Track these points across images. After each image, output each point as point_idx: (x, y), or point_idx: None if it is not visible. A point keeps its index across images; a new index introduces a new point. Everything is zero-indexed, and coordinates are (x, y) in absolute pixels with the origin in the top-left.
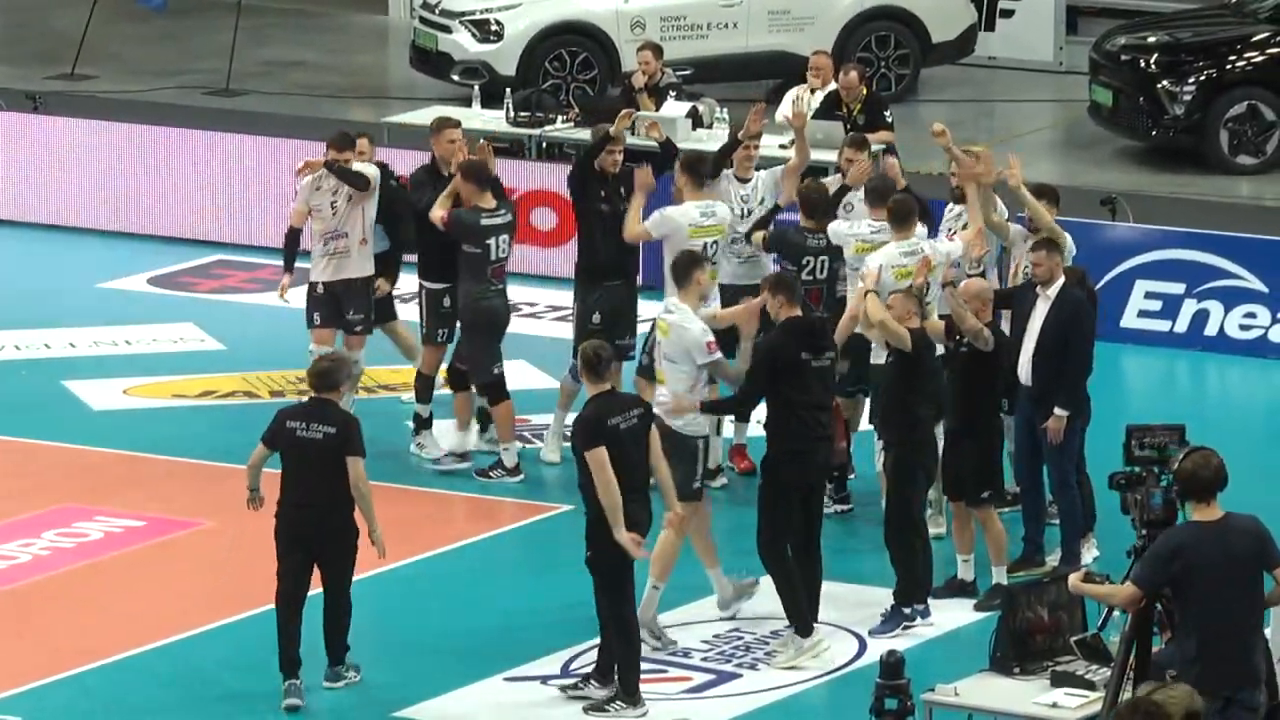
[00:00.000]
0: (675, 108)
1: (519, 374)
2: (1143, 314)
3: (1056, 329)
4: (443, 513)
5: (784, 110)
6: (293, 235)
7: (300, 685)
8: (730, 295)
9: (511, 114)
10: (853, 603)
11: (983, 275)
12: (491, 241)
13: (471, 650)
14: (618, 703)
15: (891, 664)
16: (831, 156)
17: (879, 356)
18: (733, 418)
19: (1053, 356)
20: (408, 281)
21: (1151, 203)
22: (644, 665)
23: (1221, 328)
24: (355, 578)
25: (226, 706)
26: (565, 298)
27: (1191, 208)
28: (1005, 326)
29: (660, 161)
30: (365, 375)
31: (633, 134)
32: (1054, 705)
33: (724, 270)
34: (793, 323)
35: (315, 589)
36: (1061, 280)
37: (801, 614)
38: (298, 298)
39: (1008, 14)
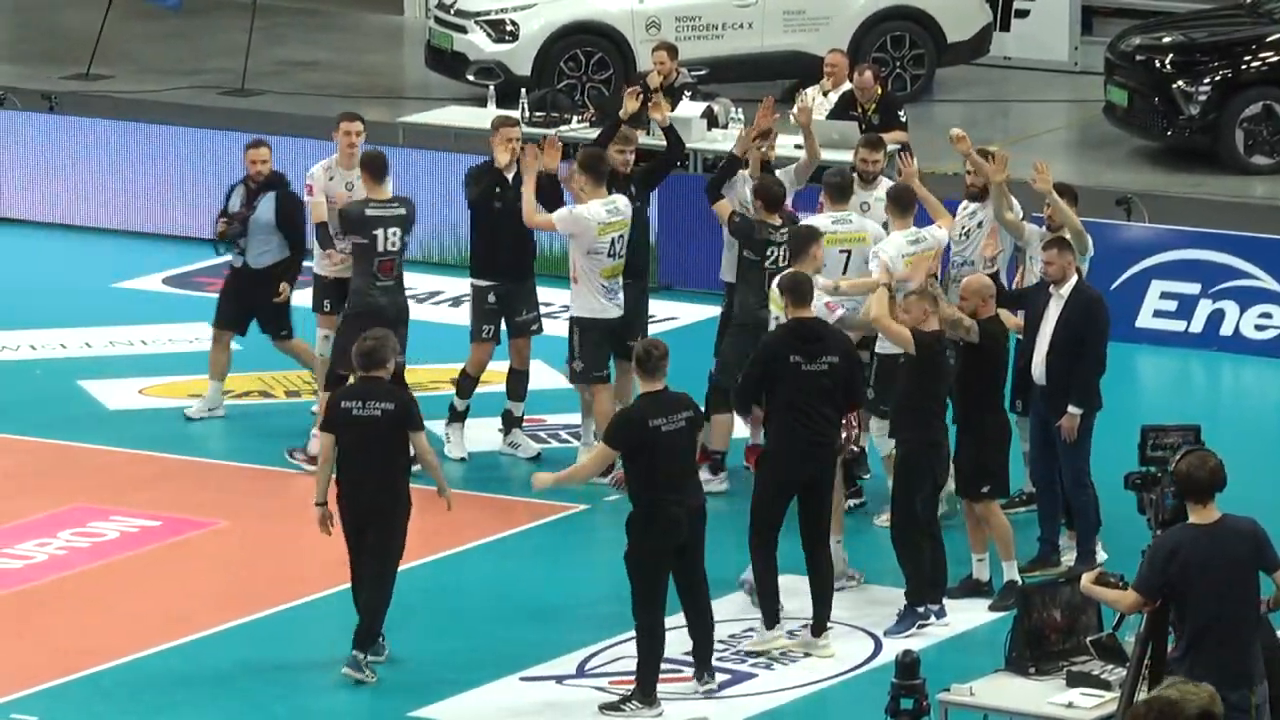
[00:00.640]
0: (690, 108)
1: (534, 373)
2: (1158, 314)
3: (1070, 328)
4: (458, 512)
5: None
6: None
7: (370, 660)
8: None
9: (527, 114)
10: (867, 602)
11: (995, 275)
12: (379, 233)
13: (487, 650)
14: (634, 702)
15: (907, 664)
16: (847, 157)
17: (887, 345)
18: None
19: (1066, 355)
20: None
21: (1166, 203)
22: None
23: (1237, 328)
24: None
25: (241, 706)
26: None
27: (1206, 208)
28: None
29: (667, 158)
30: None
31: (647, 134)
32: (1069, 705)
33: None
34: (792, 325)
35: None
36: (1074, 279)
37: (772, 611)
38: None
39: (1023, 14)
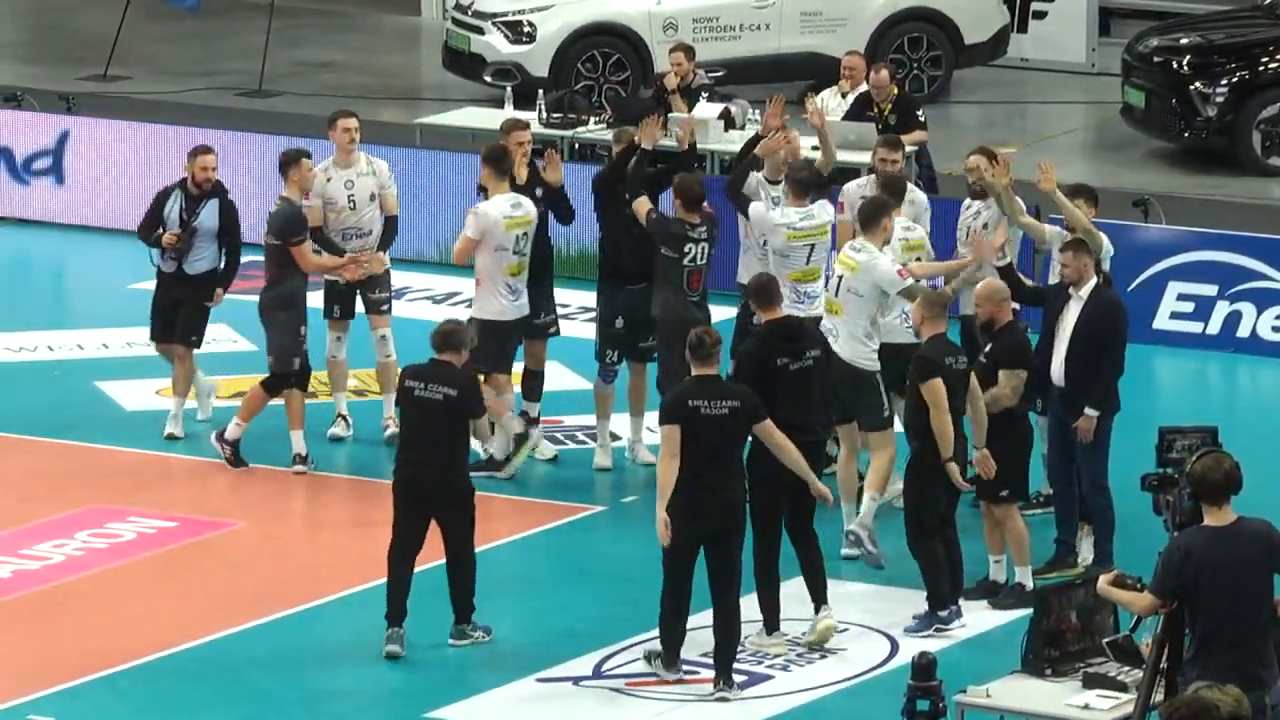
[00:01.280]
0: (707, 109)
1: (552, 376)
2: (1175, 315)
3: (1088, 329)
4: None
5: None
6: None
7: (402, 633)
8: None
9: (544, 115)
10: (883, 604)
11: (1009, 266)
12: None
13: (504, 651)
14: (659, 661)
15: (923, 665)
16: (864, 158)
17: (905, 335)
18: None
19: (1085, 357)
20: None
21: (1184, 204)
22: (683, 667)
23: (1254, 329)
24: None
25: (258, 707)
26: (594, 299)
27: (1224, 209)
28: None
29: (680, 163)
30: (351, 375)
31: (664, 134)
32: (1086, 707)
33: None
34: (771, 327)
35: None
36: (1093, 281)
37: (772, 616)
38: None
39: (1040, 15)
